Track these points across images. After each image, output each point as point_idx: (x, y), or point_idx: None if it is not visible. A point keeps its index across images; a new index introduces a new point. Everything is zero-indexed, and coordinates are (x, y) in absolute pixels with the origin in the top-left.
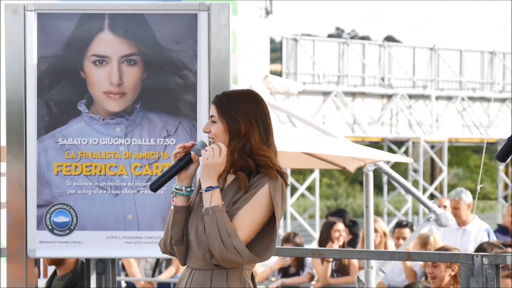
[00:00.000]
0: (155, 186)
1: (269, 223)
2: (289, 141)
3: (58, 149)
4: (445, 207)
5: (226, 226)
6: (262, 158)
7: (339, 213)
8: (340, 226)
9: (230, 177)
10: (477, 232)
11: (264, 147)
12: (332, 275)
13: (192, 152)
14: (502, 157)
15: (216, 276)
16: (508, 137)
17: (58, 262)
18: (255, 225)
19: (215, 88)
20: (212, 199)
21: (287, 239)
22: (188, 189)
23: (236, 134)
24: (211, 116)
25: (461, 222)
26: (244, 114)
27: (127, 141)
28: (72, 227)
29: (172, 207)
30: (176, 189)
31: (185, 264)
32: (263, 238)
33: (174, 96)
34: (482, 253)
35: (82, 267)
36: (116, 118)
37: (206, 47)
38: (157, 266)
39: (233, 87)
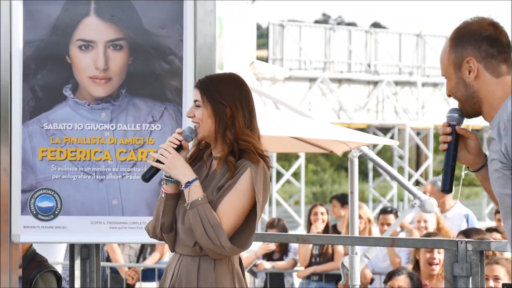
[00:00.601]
0: (147, 177)
1: (253, 209)
2: (275, 125)
3: (43, 134)
4: (430, 194)
5: (209, 218)
6: (244, 142)
7: (343, 197)
8: (320, 209)
9: (215, 162)
10: (456, 218)
11: (248, 132)
12: (315, 260)
13: (181, 138)
14: (449, 188)
15: (203, 262)
16: (443, 168)
17: None
18: (239, 213)
19: (201, 73)
20: (191, 194)
21: (271, 224)
22: None
23: (221, 117)
24: (195, 101)
25: (441, 209)
26: (229, 98)
27: (112, 126)
28: (56, 212)
29: (162, 195)
30: (167, 176)
31: (174, 250)
32: (246, 227)
33: (160, 82)
34: (466, 239)
35: (33, 253)
36: (101, 103)
37: (192, 32)
38: (141, 253)
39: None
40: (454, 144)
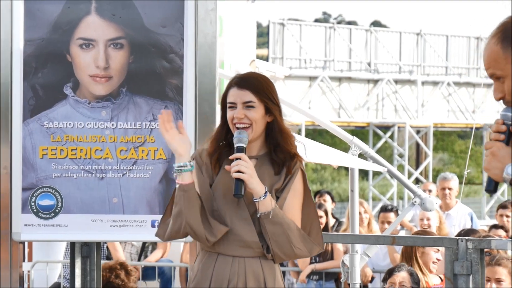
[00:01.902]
0: (242, 192)
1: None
2: None
3: (44, 132)
4: (430, 191)
5: (291, 226)
6: (288, 142)
7: None
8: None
9: (253, 161)
10: (460, 216)
11: (288, 130)
12: (314, 259)
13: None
14: (494, 189)
15: (265, 263)
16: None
17: None
18: (300, 214)
19: (202, 72)
20: (270, 202)
21: None
22: (192, 162)
23: (271, 116)
24: (247, 102)
25: (444, 207)
26: (277, 96)
27: (113, 124)
28: (57, 211)
29: (177, 188)
30: (180, 166)
31: (217, 251)
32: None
33: (161, 80)
34: (466, 237)
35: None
36: (102, 102)
37: (193, 31)
38: (143, 251)
39: (220, 71)
40: (506, 144)
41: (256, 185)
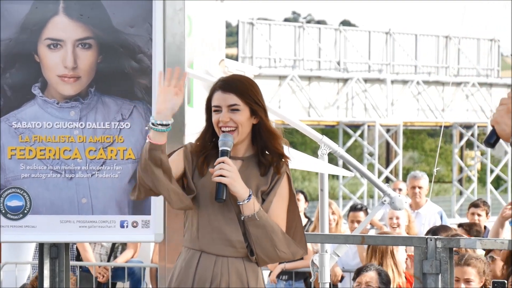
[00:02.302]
0: (224, 196)
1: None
2: None
3: (12, 132)
4: (400, 190)
5: (275, 229)
6: (278, 140)
7: None
8: None
9: (238, 162)
10: (430, 215)
11: (275, 131)
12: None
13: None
14: (493, 144)
15: (248, 263)
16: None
17: None
18: (285, 218)
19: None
20: (253, 205)
21: None
22: (169, 125)
23: (256, 118)
24: (232, 105)
25: (414, 205)
26: (262, 98)
27: (81, 124)
28: (25, 211)
29: (147, 145)
30: (155, 124)
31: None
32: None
33: (129, 80)
34: (436, 236)
35: None
36: (70, 102)
37: (161, 31)
38: (113, 251)
39: (189, 71)
40: None
41: (239, 188)
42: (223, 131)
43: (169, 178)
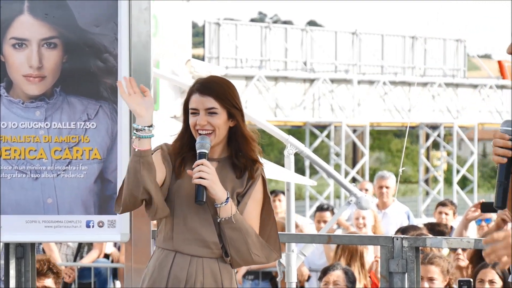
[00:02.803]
0: (204, 198)
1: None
2: None
3: None
4: (366, 190)
5: (250, 231)
6: (252, 144)
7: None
8: None
9: (214, 164)
10: (397, 215)
11: (251, 134)
12: None
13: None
14: (502, 205)
15: (222, 263)
16: (497, 182)
17: None
18: (259, 221)
19: (136, 71)
20: (230, 208)
21: None
22: (152, 130)
23: (236, 122)
24: (210, 108)
25: (381, 205)
26: (239, 101)
27: (47, 124)
28: None
29: (133, 154)
30: (139, 130)
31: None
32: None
33: (95, 80)
34: (402, 236)
35: None
36: (36, 102)
37: (126, 30)
38: (79, 251)
39: (155, 71)
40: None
41: (218, 191)
42: (200, 134)
43: (157, 187)
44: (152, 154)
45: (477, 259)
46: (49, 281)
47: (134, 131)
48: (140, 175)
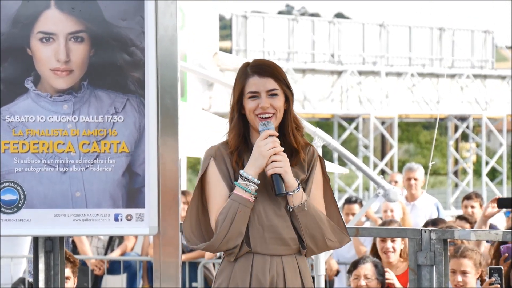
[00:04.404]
0: (283, 188)
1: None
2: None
3: (5, 126)
4: (396, 182)
5: (323, 217)
6: (302, 128)
7: None
8: None
9: None
10: (426, 207)
11: (297, 117)
12: None
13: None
14: None
15: (300, 260)
16: None
17: None
18: (324, 204)
19: (163, 65)
20: (302, 195)
21: None
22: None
23: (286, 104)
24: (271, 90)
25: (410, 197)
26: (289, 83)
27: (74, 118)
28: (19, 205)
29: (246, 204)
30: (253, 182)
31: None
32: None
33: (122, 73)
34: (430, 228)
35: None
36: (63, 95)
37: (153, 23)
38: (110, 244)
39: (182, 64)
40: None
41: (290, 178)
42: (262, 118)
43: None
44: (207, 167)
45: (498, 251)
46: (67, 271)
47: (253, 183)
48: (244, 227)
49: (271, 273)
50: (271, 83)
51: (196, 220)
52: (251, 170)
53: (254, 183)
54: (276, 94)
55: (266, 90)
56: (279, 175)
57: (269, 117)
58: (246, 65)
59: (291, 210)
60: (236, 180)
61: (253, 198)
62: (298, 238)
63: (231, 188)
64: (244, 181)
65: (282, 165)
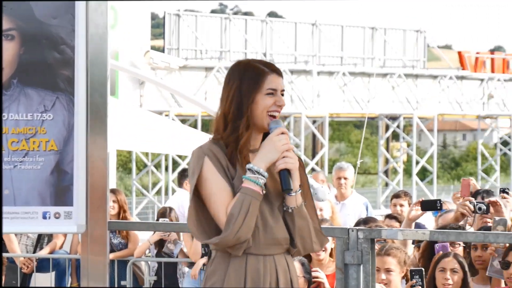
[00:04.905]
0: (290, 184)
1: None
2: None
3: None
4: (322, 181)
5: (308, 217)
6: None
7: None
8: None
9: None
10: (355, 206)
11: None
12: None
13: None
14: None
15: (289, 258)
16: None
17: None
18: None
19: (93, 63)
20: (300, 196)
21: (163, 214)
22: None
23: None
24: (283, 90)
25: (340, 197)
26: None
27: (4, 116)
28: None
29: (252, 195)
30: (263, 175)
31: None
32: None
33: (52, 71)
34: (357, 227)
35: None
36: None
37: (83, 22)
38: (38, 242)
39: (113, 62)
40: None
41: (297, 177)
42: (272, 116)
43: None
44: (202, 165)
45: (430, 250)
46: None
47: (263, 176)
48: (255, 220)
49: (266, 273)
50: (283, 83)
51: (197, 217)
52: (261, 163)
53: (264, 176)
54: (283, 95)
55: (281, 90)
56: (287, 171)
57: (276, 115)
58: (252, 64)
59: (290, 210)
60: (232, 177)
61: (263, 191)
62: (289, 238)
63: (231, 184)
64: (254, 174)
65: (294, 162)
